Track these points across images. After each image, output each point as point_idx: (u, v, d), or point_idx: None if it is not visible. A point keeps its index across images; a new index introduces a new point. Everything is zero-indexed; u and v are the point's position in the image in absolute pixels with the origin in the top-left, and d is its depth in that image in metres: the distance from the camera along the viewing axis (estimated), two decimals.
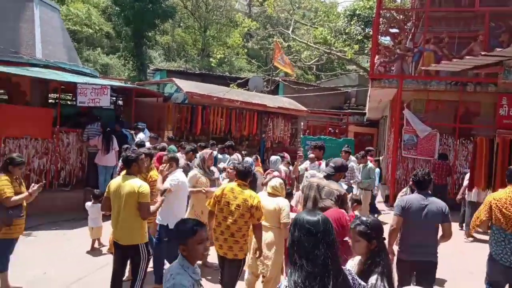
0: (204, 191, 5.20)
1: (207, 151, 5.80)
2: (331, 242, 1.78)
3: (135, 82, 15.97)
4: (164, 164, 4.99)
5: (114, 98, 11.66)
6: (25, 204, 4.42)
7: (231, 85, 17.34)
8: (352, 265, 2.45)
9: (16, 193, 4.24)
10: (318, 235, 1.76)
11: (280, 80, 19.69)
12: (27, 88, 9.14)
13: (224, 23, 32.38)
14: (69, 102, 12.46)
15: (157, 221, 4.80)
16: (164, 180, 4.75)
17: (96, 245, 5.98)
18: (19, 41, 9.38)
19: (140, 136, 9.07)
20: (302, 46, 20.25)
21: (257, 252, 3.96)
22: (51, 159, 8.19)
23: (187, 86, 11.03)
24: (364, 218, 2.45)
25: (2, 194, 4.13)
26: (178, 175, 4.72)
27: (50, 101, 10.90)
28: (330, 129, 18.44)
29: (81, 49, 21.47)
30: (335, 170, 4.18)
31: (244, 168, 4.03)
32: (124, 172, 4.07)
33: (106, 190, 4.00)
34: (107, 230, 5.43)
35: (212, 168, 5.79)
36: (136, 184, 3.81)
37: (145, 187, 3.84)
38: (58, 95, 9.75)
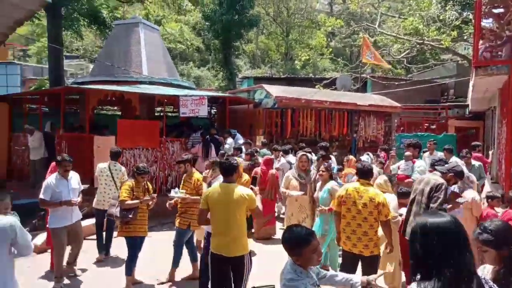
0: (287, 194, 5.31)
1: (299, 154, 5.85)
2: (467, 242, 1.63)
3: (227, 91, 16.83)
4: (207, 170, 4.77)
5: (208, 107, 12.48)
6: (144, 208, 5.01)
7: (316, 86, 17.27)
8: (485, 273, 2.18)
9: (136, 199, 4.83)
10: (457, 236, 1.62)
11: (368, 77, 19.00)
12: (137, 103, 10.26)
13: (306, 25, 32.37)
14: (170, 114, 13.65)
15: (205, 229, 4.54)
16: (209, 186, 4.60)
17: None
18: (129, 61, 10.59)
19: (229, 141, 9.51)
20: (390, 39, 19.28)
21: (388, 248, 4.08)
22: (160, 166, 9.06)
23: (276, 91, 11.30)
24: (486, 224, 2.14)
25: (120, 196, 4.80)
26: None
27: (156, 114, 12.07)
28: (426, 125, 17.17)
29: (176, 64, 23.34)
30: (456, 174, 4.04)
31: (365, 168, 4.14)
32: (217, 180, 4.14)
33: (202, 202, 3.81)
34: None
35: (312, 169, 5.75)
36: (243, 190, 3.71)
37: (251, 192, 3.83)
38: (162, 108, 10.75)
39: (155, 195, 5.19)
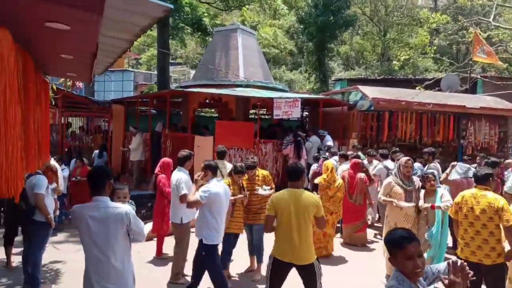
0: (394, 204, 4.95)
1: (403, 159, 5.47)
2: None
3: (320, 93, 16.66)
4: (199, 173, 4.34)
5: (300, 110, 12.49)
6: (240, 206, 5.16)
7: (417, 88, 16.04)
8: None
9: (232, 196, 4.97)
10: None
11: (478, 77, 17.05)
12: (233, 105, 10.73)
13: (406, 23, 30.39)
14: (263, 116, 14.00)
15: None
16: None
17: None
18: (228, 66, 11.14)
19: (312, 140, 9.40)
20: (508, 34, 17.05)
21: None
22: None
23: (372, 92, 10.80)
24: None
25: None
26: (211, 186, 4.19)
27: (250, 116, 12.49)
28: None
29: (269, 68, 23.93)
30: None
31: (483, 173, 3.92)
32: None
33: (268, 207, 3.66)
34: None
35: (415, 178, 5.34)
36: (312, 197, 3.64)
37: (318, 198, 3.78)
38: (257, 110, 11.07)
39: (247, 193, 5.30)
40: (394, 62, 21.24)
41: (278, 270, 3.61)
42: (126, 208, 2.97)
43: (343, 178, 6.65)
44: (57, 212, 5.63)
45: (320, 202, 3.67)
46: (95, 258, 2.85)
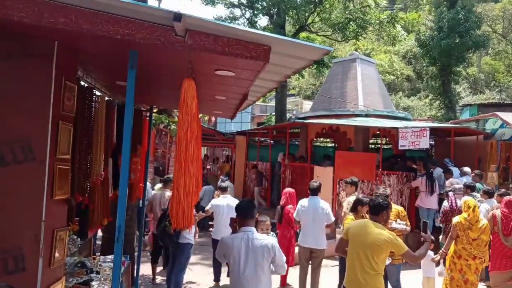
0: None
1: None
2: None
3: (449, 121, 15.30)
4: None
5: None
6: None
7: None
8: None
9: None
10: None
11: None
12: (352, 135, 10.52)
13: None
14: (384, 146, 13.39)
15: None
16: None
17: None
18: (346, 96, 11.09)
19: (435, 172, 8.48)
20: None
21: None
22: None
23: None
24: None
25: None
26: (214, 201, 6.22)
27: (370, 146, 12.08)
28: None
29: None
30: None
31: None
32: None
33: (344, 231, 3.77)
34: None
35: None
36: (382, 234, 3.45)
37: (394, 236, 3.54)
38: (379, 140, 10.66)
39: None
40: None
41: None
42: (272, 240, 3.09)
43: (494, 217, 5.87)
44: (197, 237, 6.20)
45: (395, 239, 3.45)
46: (242, 287, 2.97)
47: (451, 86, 20.39)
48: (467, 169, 8.49)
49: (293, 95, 31.81)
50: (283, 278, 6.06)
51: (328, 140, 15.44)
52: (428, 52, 19.30)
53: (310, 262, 5.44)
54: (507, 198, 6.01)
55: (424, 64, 22.27)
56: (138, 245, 4.92)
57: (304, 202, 5.51)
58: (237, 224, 3.20)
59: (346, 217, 5.21)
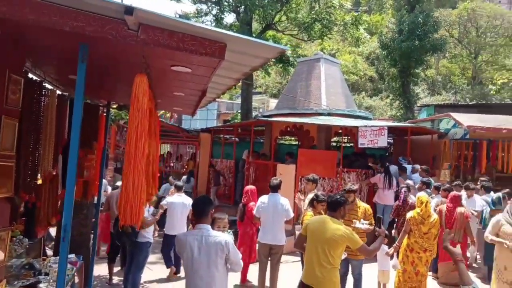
0: (505, 245, 4.45)
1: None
2: None
3: (407, 120, 15.93)
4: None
5: None
6: None
7: None
8: None
9: None
10: None
11: None
12: (315, 134, 10.72)
13: (501, 44, 27.98)
14: (347, 144, 13.73)
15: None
16: None
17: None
18: (310, 95, 11.27)
19: (391, 169, 8.80)
20: None
21: None
22: None
23: (467, 119, 10.03)
24: None
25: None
26: (169, 198, 6.39)
27: (331, 144, 12.36)
28: None
29: None
30: None
31: None
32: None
33: (303, 227, 3.93)
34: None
35: None
36: (339, 230, 3.58)
37: (350, 231, 3.67)
38: (340, 138, 10.94)
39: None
40: (490, 86, 19.55)
41: None
42: (226, 237, 3.08)
43: (440, 212, 6.19)
44: (156, 234, 6.11)
45: (351, 234, 3.58)
46: (195, 285, 2.95)
47: (410, 87, 21.24)
48: (417, 166, 8.91)
49: (260, 93, 31.93)
50: (244, 275, 6.09)
51: (292, 138, 15.65)
52: (390, 54, 19.99)
53: (269, 258, 5.49)
54: (452, 193, 6.36)
55: (386, 66, 23.02)
56: (92, 245, 4.78)
57: (264, 198, 5.56)
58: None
59: (306, 213, 5.32)
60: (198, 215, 3.11)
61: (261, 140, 13.12)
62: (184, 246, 2.99)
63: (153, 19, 2.19)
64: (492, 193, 6.94)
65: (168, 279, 6.30)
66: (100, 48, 2.50)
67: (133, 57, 2.56)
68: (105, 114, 4.60)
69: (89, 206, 4.73)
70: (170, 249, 6.29)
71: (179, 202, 6.29)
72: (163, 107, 4.93)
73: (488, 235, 4.80)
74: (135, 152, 2.34)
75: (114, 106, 6.60)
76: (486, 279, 6.05)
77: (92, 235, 5.06)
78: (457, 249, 2.40)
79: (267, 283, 5.48)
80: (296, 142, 14.77)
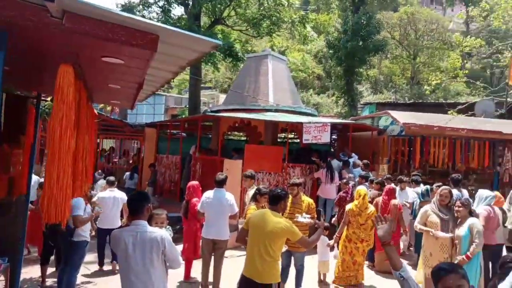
0: (431, 233, 4.83)
1: (441, 188, 5.30)
2: None
3: (350, 118, 16.61)
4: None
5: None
6: None
7: (449, 112, 15.71)
8: None
9: None
10: None
11: None
12: (262, 129, 10.85)
13: (437, 47, 30.10)
14: (295, 140, 14.03)
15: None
16: None
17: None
18: (258, 91, 11.36)
19: (333, 164, 9.25)
20: None
21: None
22: None
23: (403, 117, 10.68)
24: None
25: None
26: (100, 193, 6.43)
27: (278, 140, 12.56)
28: None
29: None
30: None
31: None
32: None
33: (245, 221, 3.91)
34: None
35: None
36: (280, 223, 3.64)
37: (290, 224, 3.72)
38: (286, 134, 11.16)
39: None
40: (426, 86, 20.94)
41: (243, 285, 3.70)
42: (162, 233, 3.00)
43: (376, 204, 6.55)
44: (93, 233, 5.87)
45: (291, 227, 3.63)
46: (130, 282, 2.88)
47: (354, 86, 22.19)
48: (358, 161, 9.37)
49: (210, 88, 31.67)
50: (187, 271, 6.03)
51: (241, 133, 15.71)
52: (336, 53, 20.71)
53: (213, 254, 5.48)
54: (387, 186, 6.76)
55: (332, 64, 23.82)
56: (20, 246, 4.47)
57: (209, 194, 5.53)
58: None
59: (249, 207, 5.38)
60: (133, 211, 3.02)
61: (210, 136, 13.04)
62: (119, 242, 2.90)
63: (78, 7, 2.09)
64: (422, 185, 7.46)
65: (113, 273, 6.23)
66: (23, 35, 2.33)
67: (61, 47, 2.43)
68: (35, 106, 4.30)
69: (18, 204, 4.41)
70: (103, 243, 6.23)
71: (110, 196, 6.28)
72: (100, 100, 4.72)
73: (417, 225, 5.16)
74: (60, 145, 2.22)
75: (49, 99, 6.22)
76: (417, 266, 6.51)
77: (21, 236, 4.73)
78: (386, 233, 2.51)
79: (211, 278, 5.47)
80: (245, 138, 14.85)
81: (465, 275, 2.16)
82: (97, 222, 6.24)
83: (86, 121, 2.96)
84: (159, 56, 2.55)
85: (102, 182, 8.40)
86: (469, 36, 18.51)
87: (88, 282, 5.83)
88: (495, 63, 24.09)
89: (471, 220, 4.66)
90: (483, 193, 5.83)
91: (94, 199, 6.03)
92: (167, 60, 2.75)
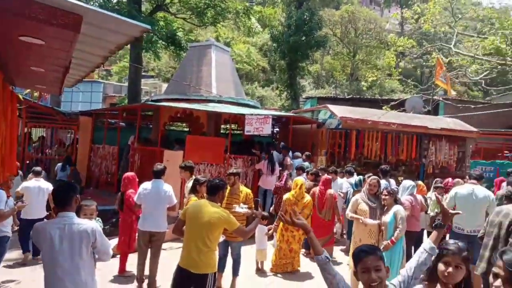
0: (361, 221, 5.15)
1: (370, 177, 5.64)
2: None
3: (291, 111, 16.99)
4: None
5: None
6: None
7: (383, 108, 16.72)
8: None
9: None
10: None
11: (440, 99, 17.99)
12: (205, 120, 10.75)
13: (374, 46, 31.78)
14: (235, 132, 14.06)
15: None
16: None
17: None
18: (200, 81, 11.20)
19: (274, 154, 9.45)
20: (467, 60, 18.12)
21: None
22: None
23: (341, 111, 11.16)
24: (460, 244, 2.36)
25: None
26: (25, 183, 6.12)
27: (221, 131, 12.53)
28: (506, 152, 15.76)
29: (241, 84, 24.18)
30: None
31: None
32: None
33: (182, 212, 3.90)
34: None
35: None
36: (217, 212, 3.67)
37: (227, 214, 3.76)
38: (228, 125, 11.14)
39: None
40: (363, 83, 22.06)
41: (180, 277, 3.68)
42: (92, 224, 2.89)
43: (313, 194, 6.80)
44: (15, 228, 5.48)
45: (228, 217, 3.67)
46: (56, 278, 2.73)
47: (297, 80, 22.74)
48: (297, 153, 9.66)
49: (152, 76, 30.64)
50: (122, 265, 5.84)
51: (184, 124, 15.43)
52: (279, 47, 21.04)
53: (150, 246, 5.36)
54: (323, 177, 7.05)
55: (276, 58, 24.19)
56: None
57: (146, 185, 5.38)
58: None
59: (190, 198, 5.32)
60: (60, 203, 2.85)
61: (151, 126, 12.63)
62: (43, 236, 2.73)
63: None
64: (355, 175, 7.89)
65: (24, 264, 5.99)
66: None
67: None
68: None
69: None
70: (26, 234, 5.82)
71: (35, 186, 6.03)
72: (23, 84, 4.36)
73: (348, 213, 5.45)
74: None
75: None
76: (349, 252, 6.88)
77: None
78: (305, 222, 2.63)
79: (147, 271, 5.34)
80: (188, 129, 14.60)
81: (382, 257, 2.31)
82: (21, 213, 5.83)
83: (2, 105, 2.72)
84: (85, 39, 2.41)
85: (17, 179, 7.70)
86: (402, 36, 19.77)
87: (11, 281, 5.41)
88: (425, 63, 26.03)
89: (396, 208, 5.02)
90: (406, 183, 6.30)
91: (18, 189, 5.64)
92: (94, 43, 2.60)
